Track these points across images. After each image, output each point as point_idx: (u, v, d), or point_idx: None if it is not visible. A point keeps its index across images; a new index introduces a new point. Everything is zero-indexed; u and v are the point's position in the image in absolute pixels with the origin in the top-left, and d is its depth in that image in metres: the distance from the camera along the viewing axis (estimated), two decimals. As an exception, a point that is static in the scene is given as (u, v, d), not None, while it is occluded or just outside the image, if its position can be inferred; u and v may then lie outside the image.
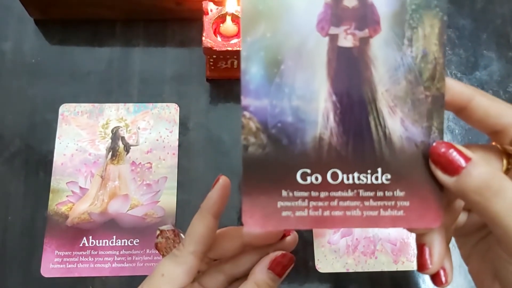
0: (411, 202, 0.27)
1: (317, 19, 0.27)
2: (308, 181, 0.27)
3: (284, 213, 0.27)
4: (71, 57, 0.51)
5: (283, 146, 0.27)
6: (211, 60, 0.47)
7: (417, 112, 0.27)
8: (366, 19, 0.27)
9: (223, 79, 0.50)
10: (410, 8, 0.27)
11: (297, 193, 0.27)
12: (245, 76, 0.26)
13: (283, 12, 0.26)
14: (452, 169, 0.26)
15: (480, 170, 0.25)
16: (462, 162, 0.25)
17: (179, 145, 0.48)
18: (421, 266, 0.28)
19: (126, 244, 0.45)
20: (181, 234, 0.35)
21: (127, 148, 0.48)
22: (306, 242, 0.45)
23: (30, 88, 0.50)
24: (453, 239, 0.31)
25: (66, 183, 0.46)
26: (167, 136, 0.48)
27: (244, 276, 0.33)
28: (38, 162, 0.47)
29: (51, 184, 0.46)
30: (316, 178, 0.27)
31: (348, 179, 0.27)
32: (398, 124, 0.27)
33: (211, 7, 0.46)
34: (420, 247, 0.28)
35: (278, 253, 0.32)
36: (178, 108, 0.49)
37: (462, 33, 0.53)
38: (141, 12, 0.51)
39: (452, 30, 0.53)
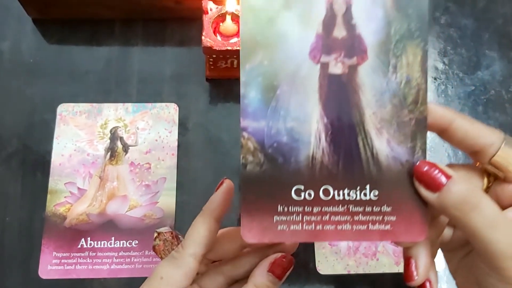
0: (397, 217, 0.29)
1: (310, 49, 0.29)
2: (302, 197, 0.29)
3: (279, 227, 0.29)
4: (69, 56, 0.51)
5: (278, 164, 0.29)
6: (211, 59, 0.47)
7: (402, 134, 0.29)
8: (354, 48, 0.29)
9: (223, 78, 0.50)
10: (395, 38, 0.29)
11: (292, 208, 0.29)
12: (244, 100, 0.29)
13: (279, 42, 0.29)
14: (434, 186, 0.28)
15: (459, 187, 0.27)
16: (443, 179, 0.27)
17: (178, 146, 0.48)
18: (408, 277, 0.29)
19: (124, 245, 0.44)
20: (180, 236, 0.35)
21: (125, 148, 0.47)
22: (306, 244, 0.45)
23: (28, 88, 0.49)
24: (441, 254, 0.33)
25: (64, 183, 0.46)
26: (166, 136, 0.48)
27: (244, 278, 0.32)
28: (36, 163, 0.47)
29: (49, 184, 0.46)
30: (309, 194, 0.29)
31: (339, 195, 0.29)
32: (384, 144, 0.29)
33: (210, 6, 0.45)
34: (407, 260, 0.30)
35: (278, 255, 0.32)
36: (178, 108, 0.49)
37: (464, 33, 0.53)
38: (140, 12, 0.51)
39: (454, 29, 0.53)
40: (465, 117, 0.30)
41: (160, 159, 0.47)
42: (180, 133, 0.48)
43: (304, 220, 0.29)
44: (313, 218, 0.29)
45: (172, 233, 0.34)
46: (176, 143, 0.48)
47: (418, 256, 0.29)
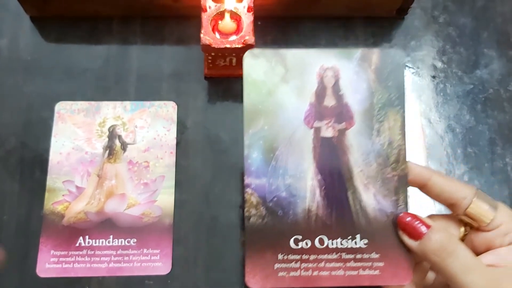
0: (385, 262, 0.33)
1: (304, 116, 0.33)
2: (300, 246, 0.33)
3: (280, 274, 0.32)
4: (67, 54, 0.51)
5: (278, 217, 0.33)
6: (210, 57, 0.47)
7: (386, 188, 0.33)
8: (342, 115, 0.33)
9: (222, 77, 0.50)
10: (377, 106, 0.33)
11: (291, 256, 0.33)
12: (247, 160, 0.33)
13: (278, 110, 0.33)
14: (416, 234, 0.31)
15: (438, 236, 0.31)
16: (423, 229, 0.31)
17: (177, 144, 0.48)
18: None
19: (123, 243, 0.44)
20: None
21: (124, 146, 0.47)
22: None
23: (26, 86, 0.49)
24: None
25: (62, 182, 0.46)
26: (165, 134, 0.48)
27: None
28: (34, 161, 0.46)
29: (47, 183, 0.46)
30: (306, 243, 0.33)
31: (332, 244, 0.33)
32: (371, 198, 0.33)
33: (209, 4, 0.45)
34: None
35: None
36: (176, 106, 0.49)
37: (463, 31, 0.53)
38: (139, 9, 0.51)
39: (453, 28, 0.53)
40: (440, 174, 0.34)
41: (159, 157, 0.47)
42: (178, 131, 0.48)
43: (302, 267, 0.32)
44: (310, 265, 0.32)
45: None
46: (174, 141, 0.48)
47: None
